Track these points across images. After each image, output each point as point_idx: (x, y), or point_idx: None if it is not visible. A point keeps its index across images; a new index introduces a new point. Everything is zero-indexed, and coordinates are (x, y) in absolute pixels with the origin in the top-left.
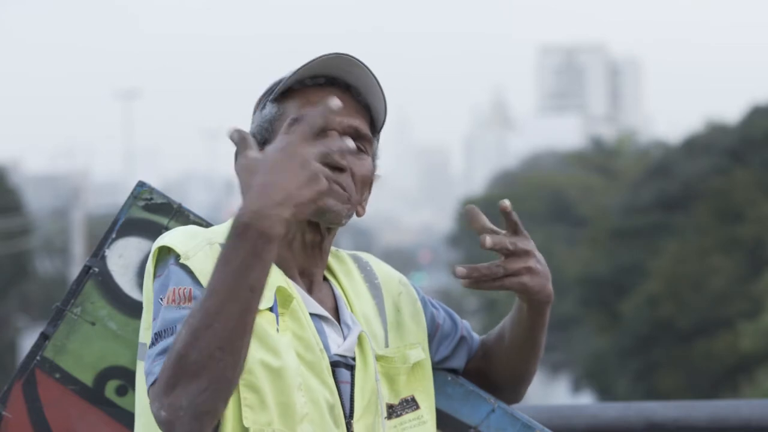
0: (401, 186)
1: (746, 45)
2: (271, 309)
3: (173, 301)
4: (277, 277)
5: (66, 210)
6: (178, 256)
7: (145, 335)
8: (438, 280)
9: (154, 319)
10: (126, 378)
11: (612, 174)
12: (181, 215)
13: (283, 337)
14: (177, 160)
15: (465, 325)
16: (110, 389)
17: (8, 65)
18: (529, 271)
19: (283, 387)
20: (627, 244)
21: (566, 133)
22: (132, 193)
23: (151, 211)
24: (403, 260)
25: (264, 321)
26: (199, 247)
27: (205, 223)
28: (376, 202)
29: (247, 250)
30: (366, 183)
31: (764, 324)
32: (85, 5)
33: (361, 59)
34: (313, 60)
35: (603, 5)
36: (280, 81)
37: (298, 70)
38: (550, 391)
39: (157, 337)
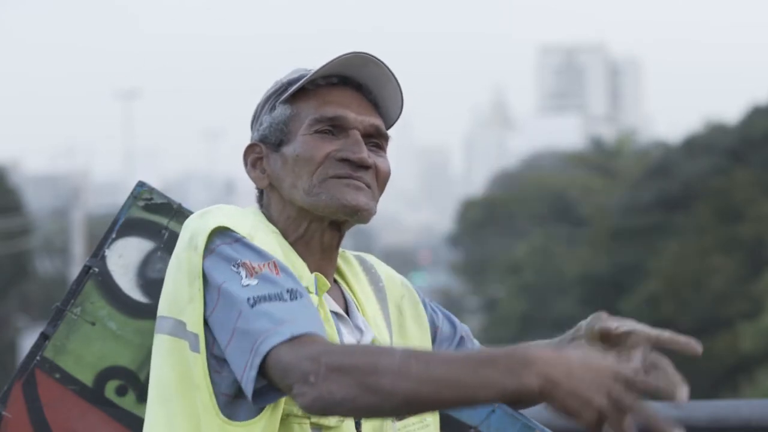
0: (401, 186)
1: (746, 45)
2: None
3: (260, 269)
4: (304, 266)
5: (66, 210)
6: (241, 236)
7: (190, 309)
8: (438, 280)
9: (223, 281)
10: (126, 378)
11: (612, 174)
12: (181, 215)
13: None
14: (177, 160)
15: (464, 328)
16: (110, 389)
17: (8, 65)
18: None
19: None
20: (627, 244)
21: (566, 133)
22: (132, 193)
23: (151, 211)
24: (403, 260)
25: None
26: (256, 226)
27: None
28: None
29: (507, 381)
30: (387, 181)
31: (764, 324)
32: (85, 5)
33: (376, 56)
34: (332, 61)
35: (603, 5)
36: (289, 82)
37: (317, 71)
38: None
39: (262, 299)
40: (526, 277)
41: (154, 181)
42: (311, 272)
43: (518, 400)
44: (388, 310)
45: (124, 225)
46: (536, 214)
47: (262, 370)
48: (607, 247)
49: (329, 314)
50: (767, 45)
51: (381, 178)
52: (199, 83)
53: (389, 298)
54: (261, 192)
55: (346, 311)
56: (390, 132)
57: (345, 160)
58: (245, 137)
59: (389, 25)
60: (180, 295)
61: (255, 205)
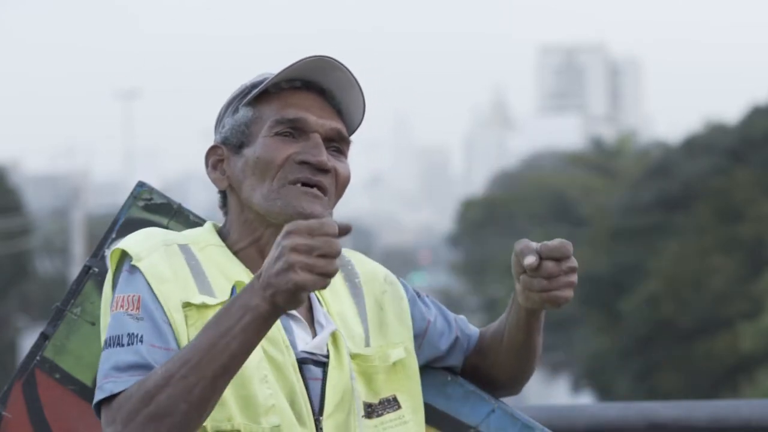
0: (401, 186)
1: (746, 45)
2: None
3: (121, 306)
4: (238, 272)
5: (66, 210)
6: (131, 258)
7: (104, 336)
8: (438, 280)
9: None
10: None
11: (612, 174)
12: (181, 215)
13: None
14: (177, 160)
15: (461, 322)
16: None
17: (8, 65)
18: (572, 285)
19: (242, 380)
20: (627, 244)
21: (566, 133)
22: (132, 193)
23: (151, 212)
24: (403, 260)
25: None
26: (153, 248)
27: (203, 224)
28: (376, 202)
29: (235, 319)
30: (346, 185)
31: (764, 324)
32: (85, 5)
33: (341, 60)
34: (294, 63)
35: (603, 5)
36: (252, 85)
37: (279, 74)
38: (550, 391)
39: (106, 343)
40: None
41: (154, 181)
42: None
43: (268, 325)
44: (365, 306)
45: (124, 225)
46: (536, 214)
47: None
48: (607, 247)
49: None
50: (767, 45)
51: (340, 183)
52: (199, 83)
53: (366, 293)
54: (224, 196)
55: (310, 308)
56: (390, 132)
57: (304, 163)
58: None
59: (389, 24)
60: (102, 322)
61: (209, 224)
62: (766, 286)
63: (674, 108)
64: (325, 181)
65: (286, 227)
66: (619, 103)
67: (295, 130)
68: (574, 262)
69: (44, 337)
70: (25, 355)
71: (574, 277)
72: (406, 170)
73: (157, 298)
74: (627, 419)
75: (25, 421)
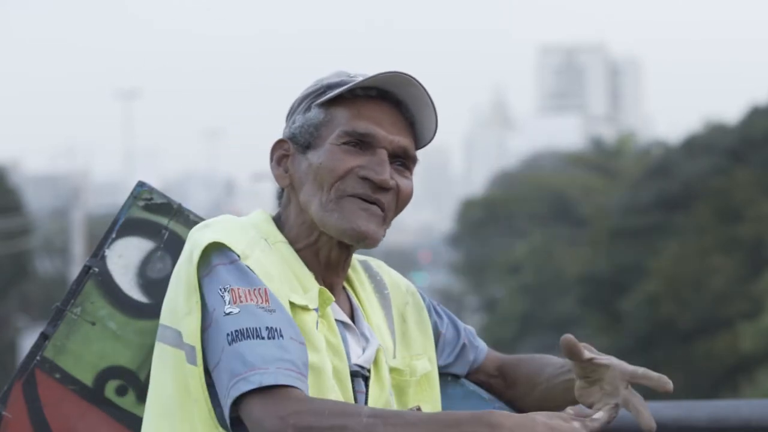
0: None
1: (746, 42)
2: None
3: (250, 299)
4: (305, 274)
5: (66, 210)
6: (236, 255)
7: (187, 321)
8: (438, 280)
9: (219, 315)
10: (126, 378)
11: (612, 174)
12: (181, 215)
13: (322, 338)
14: (177, 160)
15: (469, 332)
16: (110, 389)
17: (8, 65)
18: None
19: (320, 386)
20: (627, 243)
21: (566, 133)
22: (132, 193)
23: (151, 211)
24: (403, 260)
25: (310, 319)
26: (254, 243)
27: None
28: None
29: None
30: (407, 203)
31: (764, 324)
32: (85, 5)
33: (417, 78)
34: (373, 76)
35: (603, 5)
36: (329, 85)
37: (357, 83)
38: None
39: (238, 335)
40: (525, 277)
41: (154, 181)
42: (318, 282)
43: None
44: (392, 318)
45: (124, 225)
46: (536, 214)
47: (236, 409)
48: (607, 247)
49: (334, 324)
50: (767, 43)
51: (401, 201)
52: (199, 83)
53: (393, 305)
54: (282, 189)
55: (352, 318)
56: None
57: (366, 179)
58: (245, 137)
59: (389, 23)
60: (179, 307)
61: (262, 213)
62: (766, 286)
63: (674, 108)
64: (384, 199)
65: (570, 418)
66: (619, 103)
67: (362, 142)
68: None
69: (44, 337)
70: (25, 355)
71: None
72: None
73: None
74: (627, 419)
75: (25, 421)
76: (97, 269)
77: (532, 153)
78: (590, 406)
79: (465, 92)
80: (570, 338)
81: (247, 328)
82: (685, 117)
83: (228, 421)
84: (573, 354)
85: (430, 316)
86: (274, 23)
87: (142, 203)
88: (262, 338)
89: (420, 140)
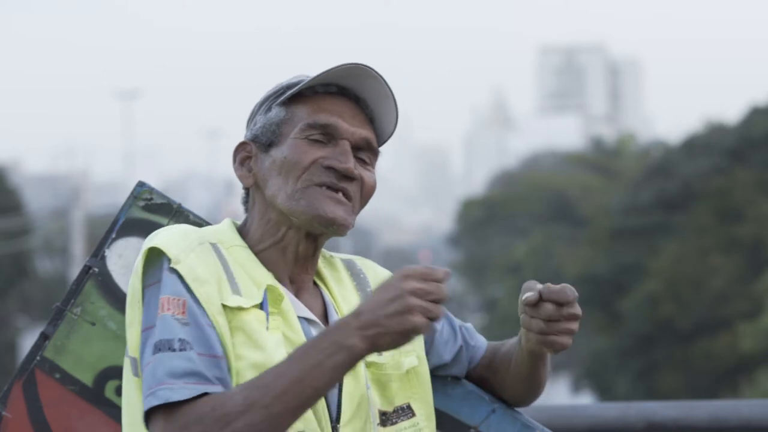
0: (401, 186)
1: (746, 43)
2: (261, 307)
3: (168, 309)
4: (262, 274)
5: (66, 210)
6: (169, 260)
7: (130, 332)
8: None
9: (149, 326)
10: None
11: (612, 174)
12: (180, 215)
13: (273, 336)
14: (177, 159)
15: (466, 331)
16: (110, 389)
17: (8, 64)
18: (571, 333)
19: None
20: (627, 243)
21: (566, 133)
22: (132, 193)
23: (151, 211)
24: (403, 260)
25: (254, 318)
26: (190, 248)
27: (204, 224)
28: (376, 202)
29: (325, 355)
30: (370, 195)
31: (764, 324)
32: (85, 4)
33: (377, 70)
34: (331, 69)
35: (603, 5)
36: (288, 85)
37: (315, 78)
38: (550, 391)
39: (156, 347)
40: (525, 276)
41: (154, 181)
42: (285, 281)
43: (357, 363)
44: None
45: (124, 225)
46: (536, 214)
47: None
48: (607, 247)
49: (293, 321)
50: (767, 42)
51: (365, 192)
52: (199, 82)
53: None
54: (247, 192)
55: (325, 314)
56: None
57: (331, 169)
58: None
59: (389, 22)
60: (127, 315)
61: (227, 221)
62: (766, 286)
63: (674, 108)
64: (350, 188)
65: (403, 271)
66: (619, 103)
67: (325, 135)
68: (577, 309)
69: (44, 337)
70: (25, 355)
71: (575, 326)
72: (406, 170)
73: (199, 302)
74: (627, 419)
75: (25, 421)
76: (97, 269)
77: (532, 153)
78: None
79: (465, 92)
80: (526, 299)
81: (161, 340)
82: (685, 117)
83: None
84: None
85: None
86: (273, 21)
87: (142, 203)
88: (174, 350)
89: (381, 136)
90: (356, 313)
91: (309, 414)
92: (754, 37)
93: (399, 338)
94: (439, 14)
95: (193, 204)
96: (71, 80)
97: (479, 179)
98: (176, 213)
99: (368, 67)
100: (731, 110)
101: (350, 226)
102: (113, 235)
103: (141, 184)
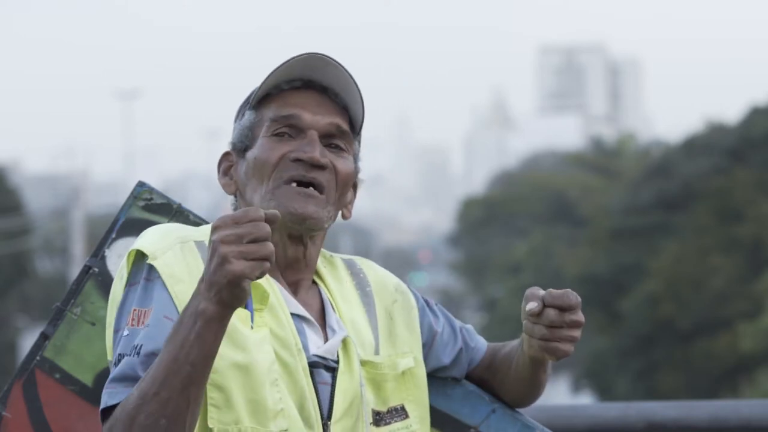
0: (401, 186)
1: (746, 42)
2: (245, 306)
3: (133, 322)
4: (262, 279)
5: (66, 210)
6: (147, 257)
7: (108, 332)
8: (438, 279)
9: (117, 329)
10: None
11: (612, 174)
12: (180, 215)
13: (257, 333)
14: (177, 159)
15: (466, 333)
16: None
17: (8, 64)
18: (573, 340)
19: (252, 384)
20: (627, 243)
21: (566, 133)
22: (132, 193)
23: (151, 212)
24: (403, 260)
25: (235, 318)
26: (168, 247)
27: (203, 224)
28: (376, 202)
29: (188, 328)
30: (348, 182)
31: (764, 324)
32: (85, 4)
33: (334, 57)
34: (285, 63)
35: (603, 5)
36: (256, 90)
37: (271, 74)
38: (550, 391)
39: (119, 357)
40: (525, 277)
41: (154, 181)
42: (279, 281)
43: (222, 326)
44: (375, 315)
45: (124, 225)
46: (536, 214)
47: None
48: (607, 247)
49: (283, 317)
50: (767, 42)
51: (340, 178)
52: (199, 82)
53: (377, 302)
54: (235, 198)
55: (323, 312)
56: (390, 132)
57: (298, 161)
58: None
59: (389, 22)
60: (108, 315)
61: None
62: (766, 286)
63: (674, 108)
64: (320, 177)
65: (213, 223)
66: (619, 103)
67: (291, 128)
68: (579, 316)
69: (44, 337)
70: (25, 355)
71: (577, 333)
72: (406, 170)
73: (172, 299)
74: (627, 419)
75: (25, 421)
76: (97, 269)
77: (532, 153)
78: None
79: (465, 92)
80: (529, 310)
81: (123, 347)
82: (685, 117)
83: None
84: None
85: (425, 314)
86: (273, 21)
87: (142, 203)
88: (130, 356)
89: (354, 121)
90: (200, 280)
91: (294, 411)
92: (754, 37)
93: (232, 289)
94: (439, 14)
95: (193, 204)
96: (71, 80)
97: (479, 179)
98: (176, 213)
99: (324, 55)
100: (731, 110)
101: (324, 219)
102: (113, 235)
103: (141, 184)
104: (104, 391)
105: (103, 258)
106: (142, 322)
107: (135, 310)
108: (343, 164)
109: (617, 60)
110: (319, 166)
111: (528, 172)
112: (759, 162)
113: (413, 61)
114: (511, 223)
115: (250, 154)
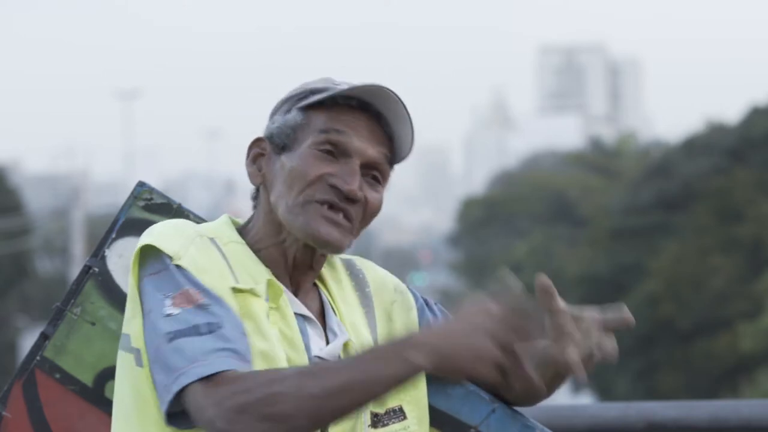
0: (401, 186)
1: (746, 42)
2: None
3: (183, 304)
4: (261, 271)
5: (66, 210)
6: (170, 257)
7: (132, 325)
8: (438, 279)
9: (151, 309)
10: None
11: (612, 174)
12: (180, 215)
13: (273, 329)
14: (177, 159)
15: None
16: (110, 389)
17: (8, 64)
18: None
19: None
20: (627, 243)
21: (566, 133)
22: (132, 193)
23: (151, 211)
24: (403, 260)
25: (258, 307)
26: (189, 241)
27: (204, 223)
28: None
29: (391, 367)
30: (374, 215)
31: (764, 324)
32: (85, 4)
33: (398, 93)
34: (355, 86)
35: (603, 5)
36: (312, 90)
37: (339, 91)
38: None
39: (176, 334)
40: (526, 277)
41: (154, 181)
42: (282, 279)
43: (413, 377)
44: (374, 316)
45: (124, 225)
46: (536, 214)
47: (178, 402)
48: (607, 247)
49: (290, 317)
50: (767, 42)
51: (368, 213)
52: (199, 82)
53: (376, 303)
54: (257, 189)
55: (322, 313)
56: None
57: (335, 188)
58: (245, 137)
59: (389, 22)
60: (127, 311)
61: (225, 217)
62: (766, 286)
63: (674, 108)
64: (351, 209)
65: (499, 307)
66: (619, 103)
67: (336, 149)
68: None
69: (44, 337)
70: (25, 355)
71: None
72: (406, 170)
73: (205, 286)
74: (627, 419)
75: (25, 421)
76: (97, 269)
77: (532, 153)
78: (563, 364)
79: (465, 92)
80: (546, 281)
81: (185, 328)
82: (685, 117)
83: (165, 418)
84: (548, 298)
85: (424, 314)
86: (273, 21)
87: (142, 203)
88: (201, 334)
89: (397, 155)
90: (427, 332)
91: None
92: (754, 37)
93: (467, 373)
94: (439, 14)
95: (193, 204)
96: (71, 80)
97: (479, 179)
98: (176, 213)
99: (389, 89)
100: (731, 110)
101: (345, 247)
102: (113, 235)
103: (141, 184)
104: (190, 366)
105: (103, 258)
106: (197, 300)
107: (175, 295)
108: (374, 197)
109: (617, 60)
110: (353, 200)
111: (528, 172)
112: (759, 162)
113: (413, 61)
114: (511, 223)
115: (288, 161)
